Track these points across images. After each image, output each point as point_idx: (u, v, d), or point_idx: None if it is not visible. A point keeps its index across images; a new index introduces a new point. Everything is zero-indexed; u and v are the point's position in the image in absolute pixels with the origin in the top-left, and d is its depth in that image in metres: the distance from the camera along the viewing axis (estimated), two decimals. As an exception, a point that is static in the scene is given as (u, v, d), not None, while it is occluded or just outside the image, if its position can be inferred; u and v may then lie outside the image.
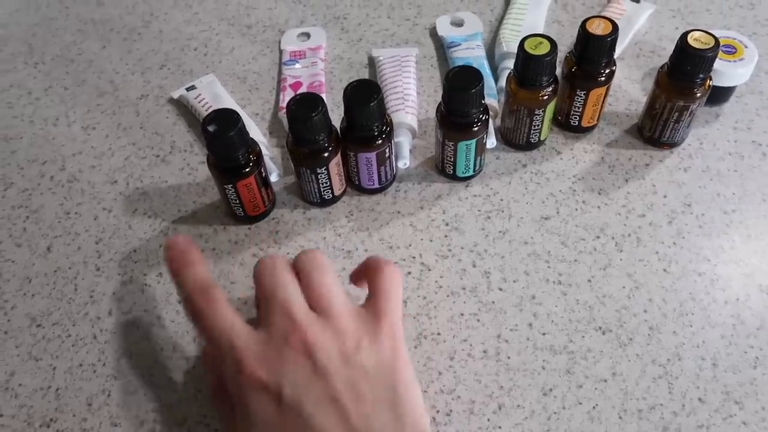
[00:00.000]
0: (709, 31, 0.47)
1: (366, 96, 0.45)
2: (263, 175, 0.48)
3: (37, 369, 0.44)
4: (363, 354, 0.35)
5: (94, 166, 0.56)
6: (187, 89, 0.59)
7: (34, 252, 0.50)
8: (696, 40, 0.47)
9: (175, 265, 0.39)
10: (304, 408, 0.34)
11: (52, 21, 0.69)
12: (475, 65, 0.48)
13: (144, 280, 0.48)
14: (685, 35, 0.47)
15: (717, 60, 0.51)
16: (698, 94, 0.49)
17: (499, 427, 0.40)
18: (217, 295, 0.37)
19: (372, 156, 0.48)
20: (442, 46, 0.63)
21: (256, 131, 0.56)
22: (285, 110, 0.46)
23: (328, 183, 0.49)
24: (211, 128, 0.44)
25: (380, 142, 0.47)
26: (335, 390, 0.34)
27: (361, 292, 0.40)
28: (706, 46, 0.46)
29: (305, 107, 0.44)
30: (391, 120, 0.49)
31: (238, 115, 0.45)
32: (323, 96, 0.58)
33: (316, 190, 0.49)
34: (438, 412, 0.41)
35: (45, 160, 0.57)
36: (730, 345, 0.43)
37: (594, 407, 0.41)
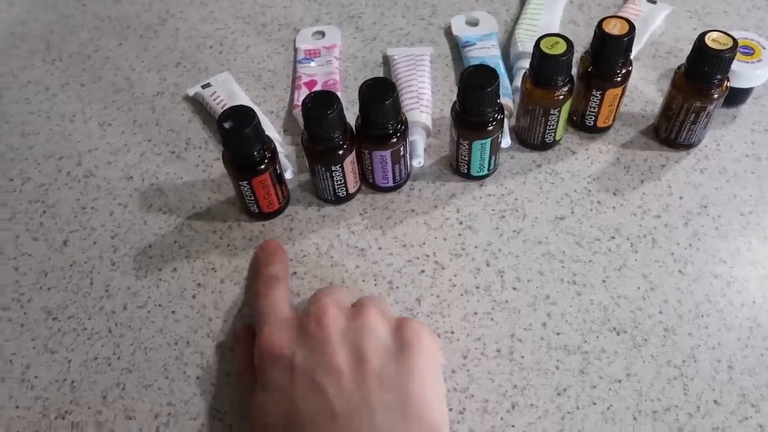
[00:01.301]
0: (727, 32, 0.47)
1: (381, 94, 0.45)
2: (278, 172, 0.48)
3: (53, 362, 0.45)
4: (379, 329, 0.38)
5: (110, 162, 0.56)
6: (203, 87, 0.60)
7: (51, 246, 0.51)
8: (714, 40, 0.47)
9: (259, 262, 0.47)
10: (310, 374, 0.36)
11: (69, 18, 0.70)
12: (490, 65, 0.48)
13: (159, 275, 0.48)
14: (702, 36, 0.47)
15: (735, 61, 0.51)
16: (715, 95, 0.48)
17: (513, 426, 0.40)
18: (276, 286, 0.43)
19: (387, 154, 0.48)
20: (456, 46, 0.63)
21: (270, 129, 0.56)
22: (300, 108, 0.46)
23: (343, 181, 0.49)
24: (227, 125, 0.44)
25: (395, 140, 0.47)
26: (340, 359, 0.36)
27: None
28: (724, 47, 0.46)
29: (320, 105, 0.45)
30: (405, 118, 0.49)
31: (254, 111, 0.45)
32: (338, 94, 0.58)
33: (331, 188, 0.50)
34: (451, 410, 0.41)
35: (62, 155, 0.57)
36: (746, 347, 0.43)
37: (608, 408, 0.41)
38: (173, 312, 0.47)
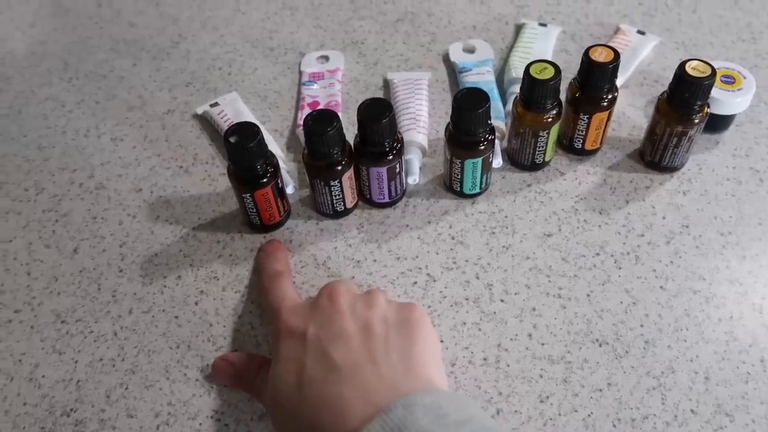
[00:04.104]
0: (707, 61, 0.50)
1: (378, 113, 0.48)
2: (280, 186, 0.51)
3: (60, 362, 0.47)
4: (385, 308, 0.41)
5: (120, 175, 0.59)
6: (211, 105, 0.63)
7: (62, 253, 0.53)
8: (694, 68, 0.49)
9: (261, 260, 0.50)
10: (322, 341, 0.38)
11: (87, 40, 0.73)
12: (485, 89, 0.50)
13: (164, 282, 0.51)
14: (683, 64, 0.50)
15: (716, 89, 0.54)
16: (696, 121, 0.51)
17: None
18: (281, 278, 0.47)
19: (383, 171, 0.51)
20: (454, 71, 0.66)
21: (274, 146, 0.59)
22: (302, 127, 0.49)
23: (341, 195, 0.52)
24: (232, 139, 0.47)
25: (391, 157, 0.50)
26: (350, 327, 0.39)
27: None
28: (703, 75, 0.49)
29: (321, 122, 0.47)
30: (402, 137, 0.51)
31: (259, 128, 0.48)
32: (339, 115, 0.60)
33: (329, 202, 0.52)
34: (438, 414, 0.43)
35: (75, 168, 0.60)
36: (722, 360, 0.45)
37: (589, 415, 0.43)
38: (176, 317, 0.49)
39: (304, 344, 0.39)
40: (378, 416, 0.33)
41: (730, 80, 0.55)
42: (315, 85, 0.64)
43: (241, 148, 0.47)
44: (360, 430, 0.33)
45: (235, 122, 0.58)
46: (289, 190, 0.55)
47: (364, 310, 0.40)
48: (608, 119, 0.54)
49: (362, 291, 0.44)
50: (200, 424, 0.43)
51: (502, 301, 0.48)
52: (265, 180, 0.49)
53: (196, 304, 0.49)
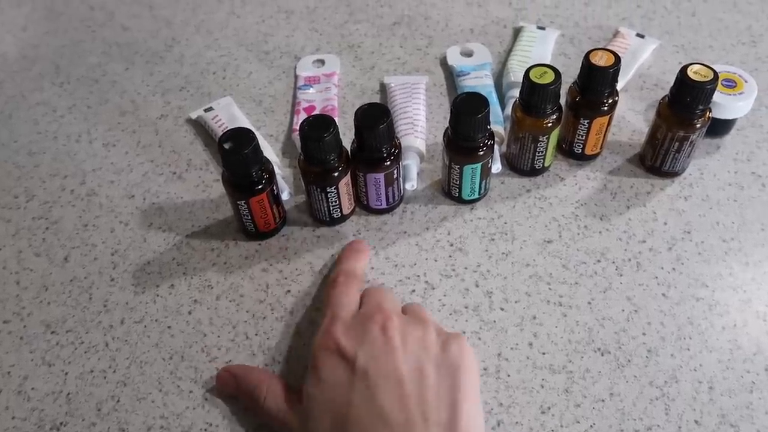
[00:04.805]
0: (709, 65, 0.49)
1: (376, 119, 0.47)
2: (275, 192, 0.50)
3: (50, 374, 0.46)
4: (436, 347, 0.40)
5: (112, 182, 0.58)
6: (205, 110, 0.62)
7: (52, 261, 0.52)
8: (696, 73, 0.48)
9: (344, 254, 0.50)
10: (371, 379, 0.38)
11: (79, 43, 0.72)
12: (483, 93, 0.50)
13: (156, 291, 0.50)
14: (685, 68, 0.49)
15: (717, 93, 0.53)
16: (698, 125, 0.50)
17: (497, 443, 0.41)
18: (353, 281, 0.46)
19: (380, 177, 0.50)
20: (451, 75, 0.65)
21: (269, 152, 0.58)
22: (298, 132, 0.48)
23: (337, 202, 0.51)
24: (227, 145, 0.46)
25: (388, 163, 0.49)
26: (403, 369, 0.38)
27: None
28: (705, 79, 0.48)
29: (318, 128, 0.46)
30: (399, 143, 0.51)
31: (253, 133, 0.47)
32: (336, 119, 0.60)
33: (326, 209, 0.51)
34: (437, 426, 0.42)
35: (66, 174, 0.59)
36: (726, 369, 0.44)
37: (591, 426, 0.42)
38: (169, 327, 0.48)
39: (352, 375, 0.38)
40: None
41: (731, 84, 0.55)
42: (311, 89, 0.63)
43: (236, 154, 0.46)
44: None
45: (229, 127, 0.58)
46: (285, 196, 0.54)
47: (417, 348, 0.39)
48: (609, 124, 0.53)
49: (399, 301, 0.45)
50: (194, 437, 0.42)
51: (501, 309, 0.47)
52: (260, 186, 0.48)
53: (190, 313, 0.48)
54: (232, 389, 0.44)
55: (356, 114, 0.47)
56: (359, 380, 0.38)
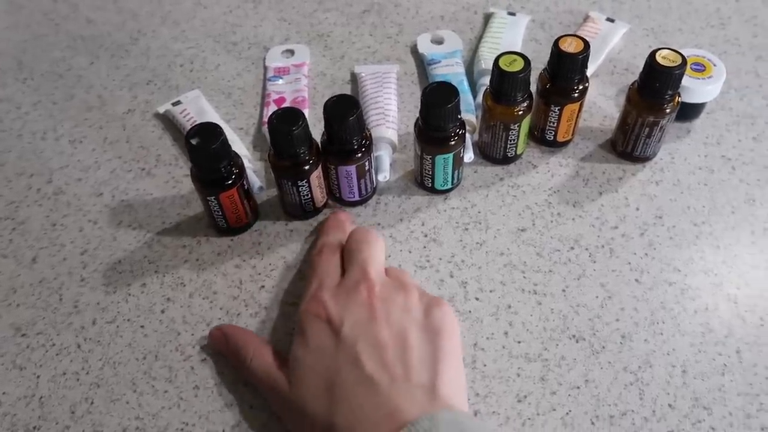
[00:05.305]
0: (677, 50, 0.49)
1: (345, 110, 0.46)
2: (246, 187, 0.49)
3: (21, 377, 0.45)
4: (419, 311, 0.42)
5: (80, 179, 0.57)
6: (173, 104, 0.60)
7: (20, 263, 0.51)
8: (664, 57, 0.49)
9: (328, 225, 0.50)
10: (357, 346, 0.39)
11: (41, 38, 0.71)
12: (454, 82, 0.49)
13: (128, 290, 0.49)
14: (653, 53, 0.49)
15: (686, 77, 0.53)
16: (667, 110, 0.50)
17: (474, 433, 0.41)
18: (332, 252, 0.46)
19: (352, 169, 0.49)
20: (422, 63, 0.64)
21: (240, 145, 0.57)
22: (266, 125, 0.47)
23: (309, 195, 0.50)
24: (194, 141, 0.45)
25: (360, 155, 0.49)
26: (386, 335, 0.39)
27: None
28: (674, 64, 0.48)
29: (286, 121, 0.46)
30: (370, 134, 0.50)
31: (221, 128, 0.46)
32: (306, 111, 0.59)
33: (298, 203, 0.51)
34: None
35: (32, 173, 0.57)
36: (699, 352, 0.44)
37: (567, 413, 0.42)
38: (142, 326, 0.47)
39: (337, 340, 0.40)
40: (405, 428, 0.35)
41: (700, 68, 0.55)
42: (280, 80, 0.63)
43: (204, 150, 0.45)
44: None
45: (198, 121, 0.57)
46: (256, 190, 0.53)
47: (400, 313, 0.41)
48: (579, 110, 0.53)
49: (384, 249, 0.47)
50: (170, 437, 0.42)
51: (477, 299, 0.47)
52: (230, 182, 0.47)
53: (163, 312, 0.48)
54: (222, 347, 0.45)
55: (325, 106, 0.47)
56: (345, 346, 0.39)
